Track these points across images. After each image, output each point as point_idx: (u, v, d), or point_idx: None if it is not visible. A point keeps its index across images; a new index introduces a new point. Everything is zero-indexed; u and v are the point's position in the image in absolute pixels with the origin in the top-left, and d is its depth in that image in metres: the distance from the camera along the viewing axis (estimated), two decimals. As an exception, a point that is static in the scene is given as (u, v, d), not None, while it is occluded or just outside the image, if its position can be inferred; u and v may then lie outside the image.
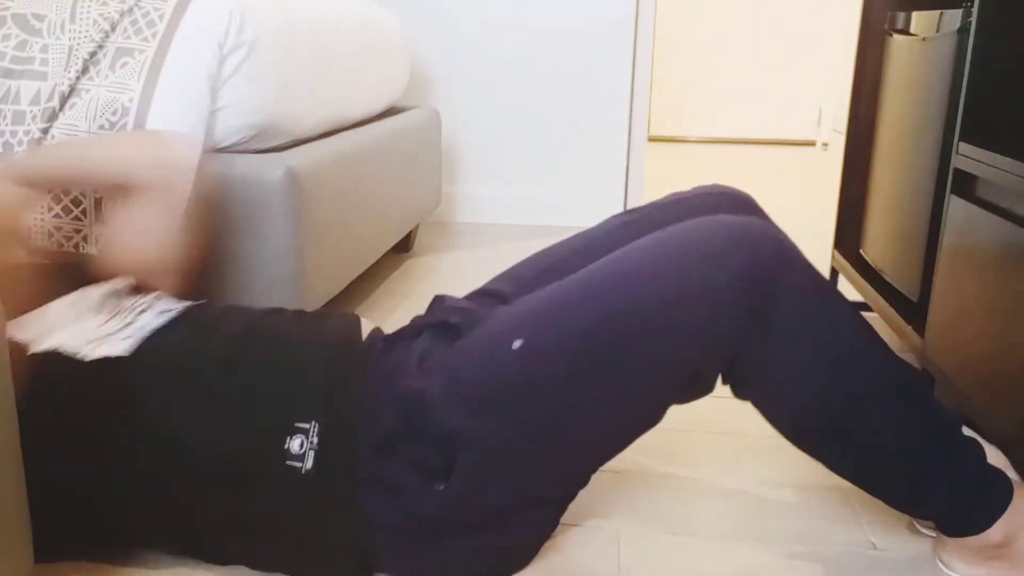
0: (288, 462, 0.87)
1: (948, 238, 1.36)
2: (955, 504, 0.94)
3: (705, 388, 0.93)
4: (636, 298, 0.88)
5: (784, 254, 0.90)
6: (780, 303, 0.89)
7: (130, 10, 1.43)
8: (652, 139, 5.15)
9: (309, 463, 0.87)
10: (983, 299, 1.24)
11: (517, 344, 0.88)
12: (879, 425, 0.93)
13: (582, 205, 2.87)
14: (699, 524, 1.09)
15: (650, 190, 2.86)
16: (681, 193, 1.15)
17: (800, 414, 0.94)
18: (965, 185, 1.32)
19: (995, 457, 0.97)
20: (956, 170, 1.34)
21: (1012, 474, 0.96)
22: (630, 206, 2.83)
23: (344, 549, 0.90)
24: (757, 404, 0.96)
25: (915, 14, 1.68)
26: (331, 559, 0.91)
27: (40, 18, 1.43)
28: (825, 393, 0.92)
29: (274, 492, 0.88)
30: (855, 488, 1.00)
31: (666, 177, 3.44)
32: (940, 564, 1.00)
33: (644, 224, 1.10)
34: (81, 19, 1.42)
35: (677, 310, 0.87)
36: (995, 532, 0.93)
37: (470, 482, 0.89)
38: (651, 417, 0.95)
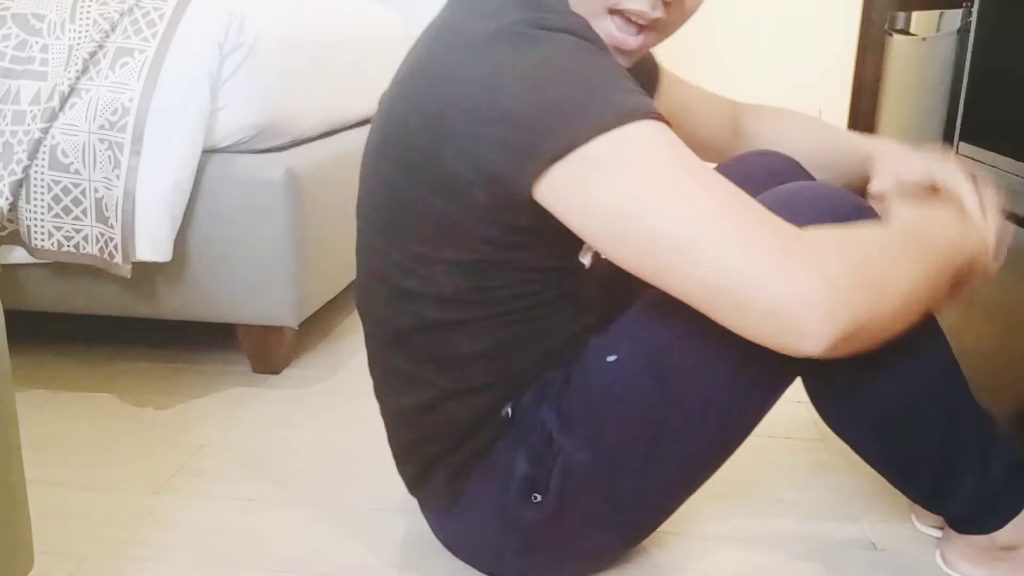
0: None
1: (948, 238, 1.36)
2: (977, 503, 0.94)
3: (787, 383, 0.90)
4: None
5: None
6: None
7: (130, 10, 1.43)
8: (652, 139, 5.11)
9: None
10: (983, 299, 1.24)
11: (612, 358, 0.86)
12: (927, 426, 0.90)
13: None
14: (699, 524, 1.09)
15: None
16: (735, 162, 1.09)
17: (851, 410, 0.92)
18: (965, 185, 1.32)
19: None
20: (956, 170, 1.34)
21: None
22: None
23: None
24: (806, 387, 0.94)
25: (915, 14, 1.68)
26: None
27: (40, 18, 1.43)
28: (880, 394, 0.89)
29: None
30: (855, 487, 1.00)
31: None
32: (941, 562, 1.00)
33: None
34: (81, 19, 1.42)
35: None
36: (1005, 533, 0.93)
37: (558, 497, 0.87)
38: (741, 434, 0.91)
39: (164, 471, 1.23)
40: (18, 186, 1.37)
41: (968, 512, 0.95)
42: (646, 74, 1.09)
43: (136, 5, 1.43)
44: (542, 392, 0.89)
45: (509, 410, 0.89)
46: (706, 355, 0.84)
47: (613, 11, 0.81)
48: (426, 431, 0.92)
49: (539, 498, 0.88)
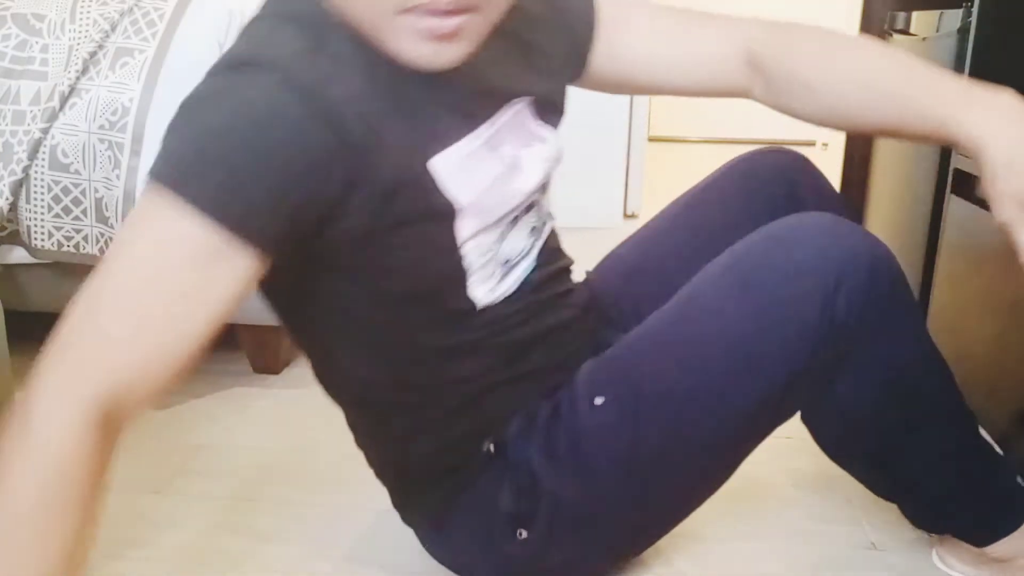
0: None
1: (948, 238, 1.36)
2: (973, 520, 0.94)
3: (782, 420, 0.87)
4: (711, 355, 0.80)
5: (872, 285, 0.80)
6: (863, 339, 0.81)
7: (130, 10, 1.43)
8: (652, 139, 5.14)
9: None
10: (983, 298, 1.24)
11: (599, 401, 0.83)
12: (929, 452, 0.89)
13: (582, 205, 2.87)
14: (699, 524, 1.09)
15: (650, 190, 2.86)
16: (741, 162, 1.01)
17: (849, 438, 0.92)
18: (965, 185, 1.32)
19: None
20: (956, 170, 1.34)
21: None
22: (630, 206, 2.83)
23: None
24: (803, 418, 0.93)
25: (915, 14, 1.68)
26: None
27: (40, 18, 1.43)
28: (880, 422, 0.88)
29: None
30: (856, 487, 1.00)
31: (666, 177, 3.44)
32: (936, 558, 1.00)
33: (714, 209, 1.00)
34: (81, 19, 1.42)
35: (757, 359, 0.79)
36: (998, 548, 0.93)
37: (545, 535, 0.86)
38: (728, 470, 0.90)
39: (164, 471, 1.23)
40: (18, 186, 1.37)
41: (964, 528, 0.95)
42: (572, 24, 0.88)
43: (136, 5, 1.43)
44: (528, 427, 0.86)
45: (491, 446, 0.86)
46: (696, 404, 0.81)
47: (403, 11, 0.62)
48: (402, 466, 0.91)
49: (524, 534, 0.86)
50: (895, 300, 0.83)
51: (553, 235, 0.92)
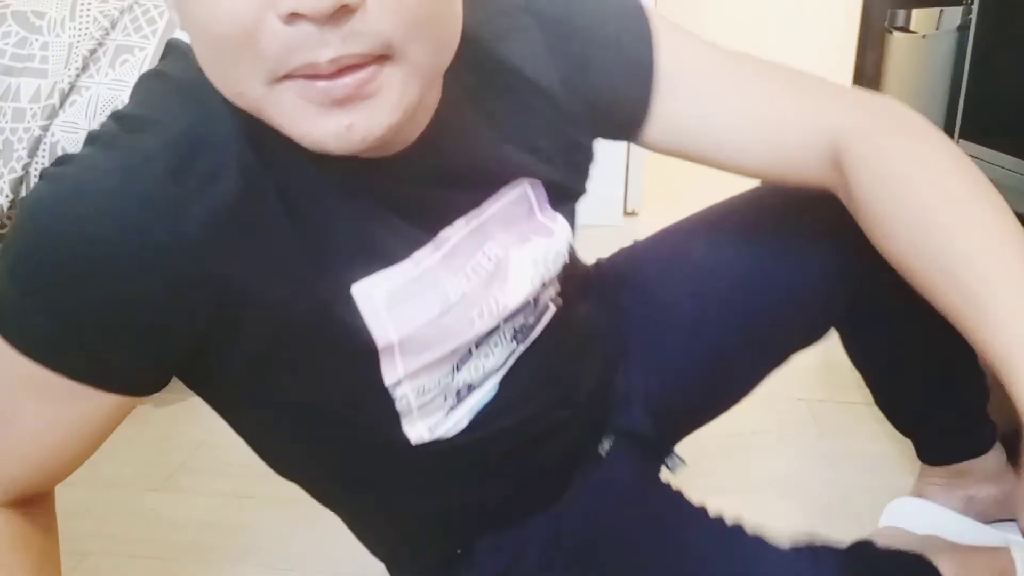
0: None
1: (948, 236, 1.36)
2: (955, 431, 0.96)
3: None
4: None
5: None
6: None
7: (130, 7, 1.43)
8: (652, 137, 5.12)
9: None
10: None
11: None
12: (931, 364, 0.90)
13: (582, 205, 2.87)
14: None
15: (650, 190, 2.86)
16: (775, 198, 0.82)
17: (874, 356, 0.92)
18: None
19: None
20: (956, 168, 1.34)
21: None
22: (630, 206, 2.82)
23: None
24: (841, 334, 0.91)
25: (915, 12, 1.68)
26: None
27: (40, 15, 1.43)
28: (905, 344, 0.87)
29: None
30: (856, 485, 1.00)
31: (667, 174, 3.44)
32: (914, 497, 1.02)
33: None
34: (81, 16, 1.42)
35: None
36: (968, 465, 0.96)
37: None
38: None
39: (164, 468, 1.23)
40: (18, 184, 1.37)
41: (941, 439, 0.97)
42: (610, 78, 0.64)
43: (136, 3, 1.43)
44: (498, 548, 0.75)
45: (459, 551, 0.76)
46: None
47: (275, 79, 0.43)
48: (373, 536, 0.81)
49: None
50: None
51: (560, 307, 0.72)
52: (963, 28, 1.39)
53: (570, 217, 0.69)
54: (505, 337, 0.66)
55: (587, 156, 0.69)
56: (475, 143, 0.59)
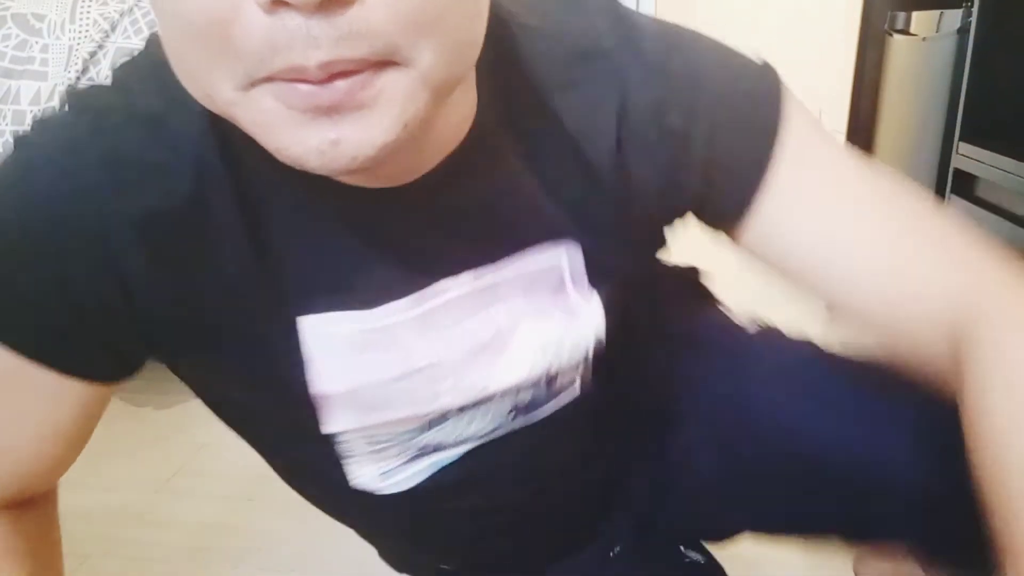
0: None
1: (948, 238, 1.36)
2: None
3: None
4: None
5: None
6: None
7: (130, 10, 1.43)
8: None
9: None
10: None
11: None
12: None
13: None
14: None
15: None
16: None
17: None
18: (965, 185, 1.32)
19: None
20: (956, 170, 1.34)
21: None
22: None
23: None
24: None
25: (915, 14, 1.68)
26: None
27: (40, 18, 1.43)
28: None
29: None
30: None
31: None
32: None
33: None
34: (81, 19, 1.42)
35: None
36: None
37: None
38: None
39: (164, 471, 1.23)
40: (18, 186, 1.38)
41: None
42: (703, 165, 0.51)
43: (136, 5, 1.43)
44: None
45: (447, 568, 0.71)
46: None
47: (252, 83, 0.35)
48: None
49: None
50: None
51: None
52: (963, 30, 1.39)
53: (618, 296, 0.55)
54: (500, 408, 0.55)
55: (653, 238, 0.56)
56: (506, 187, 0.48)
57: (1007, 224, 1.15)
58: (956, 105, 1.36)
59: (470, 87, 0.45)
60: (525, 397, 0.56)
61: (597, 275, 0.53)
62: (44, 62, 1.40)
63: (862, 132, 1.96)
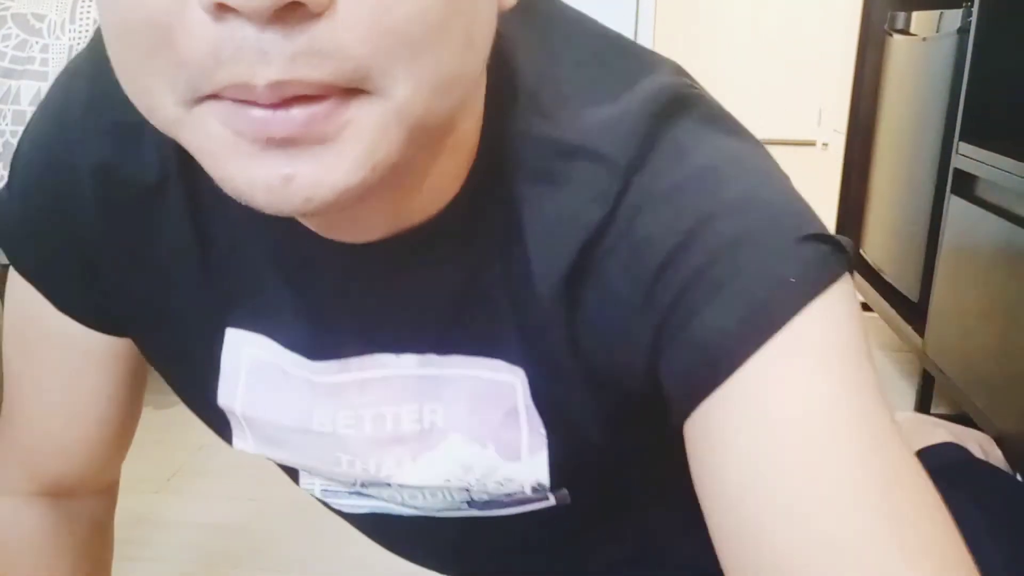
0: None
1: (948, 238, 1.36)
2: None
3: None
4: None
5: None
6: None
7: (130, 10, 1.43)
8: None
9: None
10: (983, 299, 1.24)
11: None
12: None
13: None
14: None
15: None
16: None
17: None
18: (965, 185, 1.32)
19: (988, 446, 0.96)
20: (956, 170, 1.34)
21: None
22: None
23: None
24: None
25: (915, 14, 1.68)
26: None
27: (40, 18, 1.43)
28: None
29: None
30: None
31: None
32: None
33: None
34: (81, 19, 1.42)
35: None
36: None
37: None
38: None
39: (164, 471, 1.23)
40: (18, 186, 1.38)
41: None
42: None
43: (136, 5, 1.44)
44: None
45: None
46: None
47: (197, 99, 0.30)
48: None
49: None
50: None
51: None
52: (963, 30, 1.39)
53: (575, 458, 0.45)
54: (451, 497, 0.49)
55: (622, 404, 0.43)
56: (474, 273, 0.41)
57: (1007, 224, 1.16)
58: (956, 105, 1.36)
59: (471, 137, 0.39)
60: (482, 496, 0.48)
61: (548, 415, 0.44)
62: (44, 62, 1.40)
63: (862, 132, 1.97)
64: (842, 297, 0.37)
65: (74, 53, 1.39)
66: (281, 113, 0.29)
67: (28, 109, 1.38)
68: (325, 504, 0.57)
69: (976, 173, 1.26)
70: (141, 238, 0.44)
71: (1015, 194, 1.17)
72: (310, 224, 0.39)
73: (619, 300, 0.39)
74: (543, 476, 0.45)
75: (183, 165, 0.42)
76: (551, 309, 0.40)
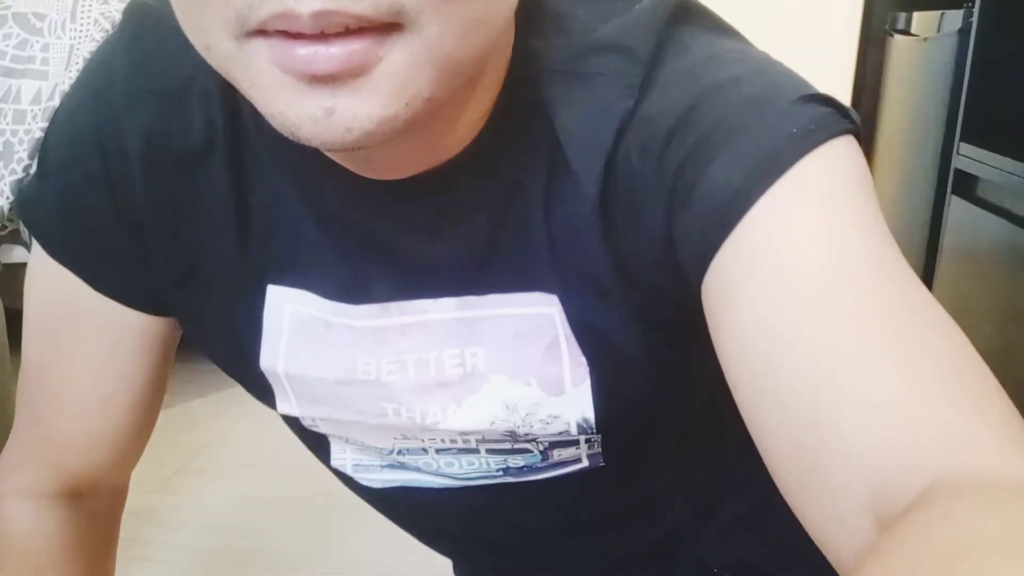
0: None
1: (948, 238, 1.36)
2: None
3: None
4: None
5: None
6: None
7: (131, 10, 1.43)
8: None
9: None
10: (983, 298, 1.24)
11: None
12: None
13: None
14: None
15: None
16: None
17: None
18: (965, 185, 1.32)
19: None
20: (956, 170, 1.34)
21: None
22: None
23: None
24: None
25: (916, 15, 1.68)
26: None
27: (41, 17, 1.43)
28: None
29: None
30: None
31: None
32: None
33: None
34: (82, 18, 1.42)
35: None
36: None
37: None
38: None
39: (164, 471, 1.23)
40: (19, 185, 1.37)
41: None
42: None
43: (137, 5, 1.44)
44: None
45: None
46: None
47: (246, 33, 0.32)
48: None
49: None
50: None
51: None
52: (964, 31, 1.39)
53: (620, 381, 0.46)
54: (486, 462, 0.51)
55: (660, 309, 0.43)
56: (504, 203, 0.43)
57: (1007, 224, 1.16)
58: (956, 105, 1.36)
59: (504, 76, 0.41)
60: (517, 461, 0.50)
61: (588, 342, 0.45)
62: (45, 61, 1.40)
63: (862, 132, 1.97)
64: (848, 151, 0.39)
65: (74, 53, 1.39)
66: (323, 50, 0.31)
67: (28, 108, 1.38)
68: (350, 483, 0.57)
69: (977, 173, 1.26)
70: (185, 203, 0.45)
71: (1015, 194, 1.17)
72: (349, 164, 0.41)
73: (638, 182, 0.40)
74: (588, 410, 0.46)
75: (226, 129, 0.44)
76: (589, 216, 0.41)
